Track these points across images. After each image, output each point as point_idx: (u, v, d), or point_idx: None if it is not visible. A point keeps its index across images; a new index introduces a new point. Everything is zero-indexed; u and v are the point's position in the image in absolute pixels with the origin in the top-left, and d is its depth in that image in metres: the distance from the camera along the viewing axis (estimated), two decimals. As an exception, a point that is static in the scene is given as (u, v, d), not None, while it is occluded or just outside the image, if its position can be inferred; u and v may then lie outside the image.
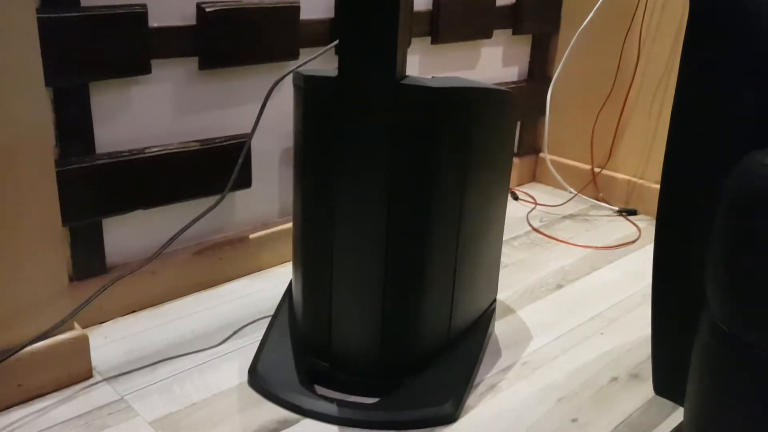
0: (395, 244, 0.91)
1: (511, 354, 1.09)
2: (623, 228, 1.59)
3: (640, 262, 1.43)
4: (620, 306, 1.25)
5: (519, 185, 1.84)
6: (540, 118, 1.79)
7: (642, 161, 1.65)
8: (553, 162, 1.78)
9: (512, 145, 1.05)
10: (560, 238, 1.52)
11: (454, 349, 1.00)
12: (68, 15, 0.97)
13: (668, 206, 0.81)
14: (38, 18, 0.83)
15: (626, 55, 1.62)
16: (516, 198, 1.75)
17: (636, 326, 1.18)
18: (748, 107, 0.72)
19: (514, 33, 1.67)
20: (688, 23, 0.77)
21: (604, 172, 1.72)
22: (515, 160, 1.79)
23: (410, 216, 0.90)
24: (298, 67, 0.98)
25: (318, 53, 1.06)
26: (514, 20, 1.65)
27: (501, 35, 1.65)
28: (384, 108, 0.86)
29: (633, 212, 1.66)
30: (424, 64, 1.51)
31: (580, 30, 1.62)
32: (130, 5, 1.03)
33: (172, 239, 1.00)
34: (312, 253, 0.96)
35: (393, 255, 0.91)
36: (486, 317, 1.08)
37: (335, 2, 1.28)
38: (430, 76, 0.95)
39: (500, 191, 1.04)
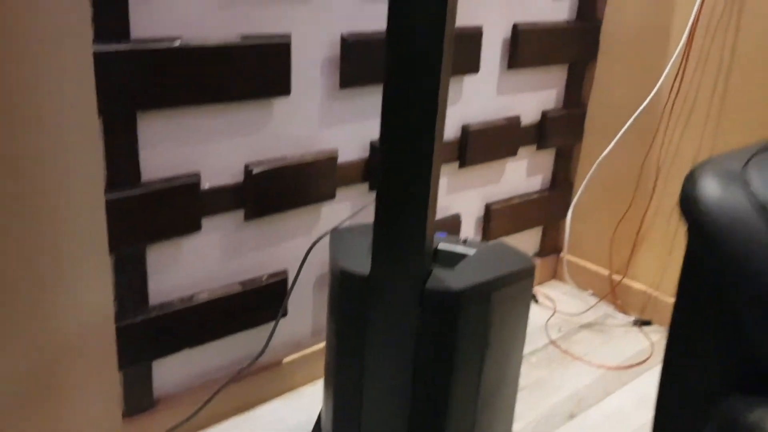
0: (418, 417, 1.00)
1: (523, 501, 1.17)
2: (637, 342, 1.67)
3: (652, 385, 1.50)
4: (629, 441, 1.33)
5: (539, 283, 1.92)
6: (561, 221, 1.87)
7: (658, 274, 1.72)
8: (572, 264, 1.86)
9: (528, 306, 1.14)
10: (576, 355, 1.60)
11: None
12: (129, 193, 1.08)
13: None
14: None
15: (645, 175, 1.69)
16: (536, 301, 1.83)
17: (642, 468, 1.26)
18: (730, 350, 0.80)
19: (538, 148, 1.75)
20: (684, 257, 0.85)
21: (623, 280, 1.79)
22: (537, 260, 1.87)
23: (432, 391, 1.00)
24: (336, 228, 1.08)
25: (353, 213, 1.16)
26: (538, 137, 1.73)
27: (526, 150, 1.74)
28: (410, 308, 0.95)
29: (647, 323, 1.74)
30: (452, 185, 1.60)
31: (606, 151, 1.70)
32: (186, 175, 1.14)
33: (218, 390, 1.10)
34: (340, 418, 1.06)
35: (416, 427, 1.01)
36: (500, 463, 1.17)
37: (370, 145, 1.38)
38: (463, 239, 1.06)
39: (516, 354, 1.13)
